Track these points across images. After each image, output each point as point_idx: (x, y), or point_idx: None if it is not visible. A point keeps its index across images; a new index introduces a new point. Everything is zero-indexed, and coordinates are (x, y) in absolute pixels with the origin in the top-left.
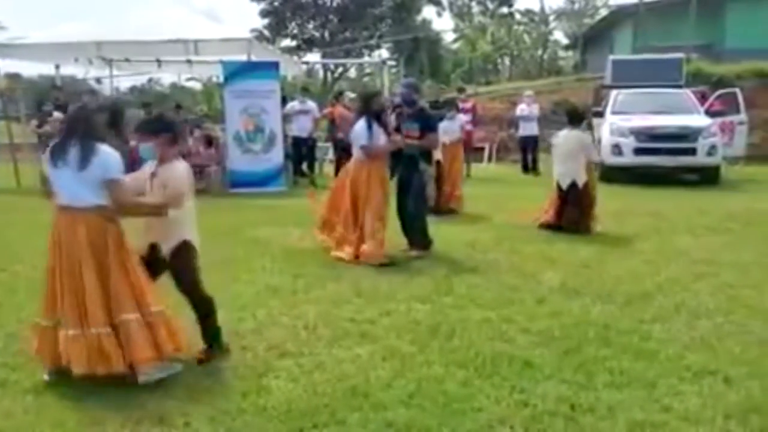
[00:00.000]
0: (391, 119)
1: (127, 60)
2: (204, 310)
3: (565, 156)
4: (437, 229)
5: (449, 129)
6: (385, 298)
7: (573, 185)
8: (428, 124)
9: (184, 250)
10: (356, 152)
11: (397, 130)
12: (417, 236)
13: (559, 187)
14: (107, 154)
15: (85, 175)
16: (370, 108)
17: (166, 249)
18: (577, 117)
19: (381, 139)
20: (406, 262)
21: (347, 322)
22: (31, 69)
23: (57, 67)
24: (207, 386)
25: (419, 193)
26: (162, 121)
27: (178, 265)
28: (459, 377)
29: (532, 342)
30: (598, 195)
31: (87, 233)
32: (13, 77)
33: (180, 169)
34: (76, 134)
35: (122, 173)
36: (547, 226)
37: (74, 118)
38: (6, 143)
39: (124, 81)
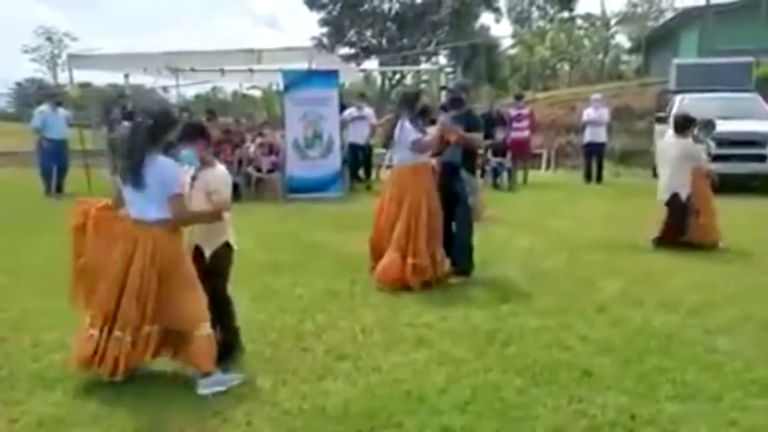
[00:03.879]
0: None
1: (193, 69)
2: (227, 312)
3: (670, 165)
4: (492, 235)
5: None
6: (441, 304)
7: (674, 196)
8: (475, 125)
9: (226, 252)
10: (401, 156)
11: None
12: (459, 256)
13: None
14: (164, 168)
15: (146, 191)
16: (415, 108)
17: (208, 251)
18: (683, 124)
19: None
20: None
21: (404, 327)
22: (100, 78)
23: (126, 76)
24: (269, 387)
25: (463, 206)
26: (198, 127)
27: (216, 267)
28: (516, 385)
29: (591, 351)
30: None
31: (151, 247)
32: (84, 86)
33: (223, 173)
34: (135, 150)
35: (181, 186)
36: (658, 242)
37: (133, 133)
38: (78, 149)
39: (189, 89)
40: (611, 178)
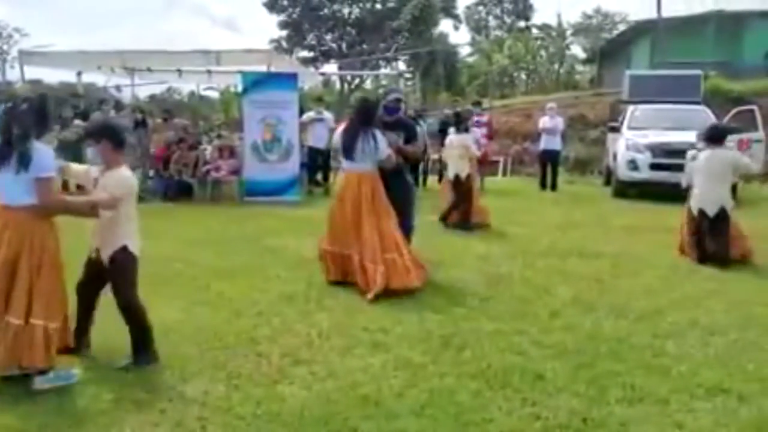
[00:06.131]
0: None
1: (149, 69)
2: (132, 317)
3: (711, 179)
4: (450, 241)
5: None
6: (397, 308)
7: (722, 211)
8: (414, 133)
9: (123, 256)
10: (364, 165)
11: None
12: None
13: (701, 215)
14: (39, 152)
15: (23, 176)
16: (374, 117)
17: (105, 254)
18: (718, 135)
19: None
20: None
21: (360, 331)
22: (52, 76)
23: (79, 74)
24: (223, 392)
25: (411, 207)
26: (105, 128)
27: (114, 271)
28: (471, 388)
29: (544, 355)
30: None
31: (16, 233)
32: (34, 83)
33: (122, 175)
34: (16, 136)
35: (53, 171)
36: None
37: (8, 121)
38: None
39: (144, 89)
40: (565, 186)
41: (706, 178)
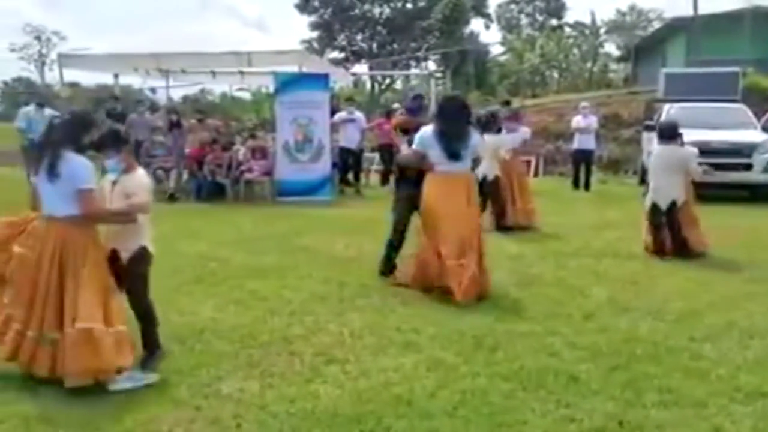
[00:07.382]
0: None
1: (183, 71)
2: (148, 316)
3: (664, 174)
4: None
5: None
6: (429, 308)
7: (672, 205)
8: None
9: (142, 256)
10: (468, 164)
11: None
12: None
13: (656, 209)
14: (77, 164)
15: (58, 186)
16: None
17: (125, 255)
18: (669, 132)
19: None
20: None
21: (392, 331)
22: (89, 78)
23: (116, 76)
24: (257, 390)
25: None
26: (119, 135)
27: (134, 271)
28: (504, 390)
29: (578, 357)
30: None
31: (60, 243)
32: (73, 86)
33: (144, 177)
34: (50, 145)
35: (93, 183)
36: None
37: (48, 130)
38: None
39: (178, 91)
40: (599, 186)
41: (659, 174)
